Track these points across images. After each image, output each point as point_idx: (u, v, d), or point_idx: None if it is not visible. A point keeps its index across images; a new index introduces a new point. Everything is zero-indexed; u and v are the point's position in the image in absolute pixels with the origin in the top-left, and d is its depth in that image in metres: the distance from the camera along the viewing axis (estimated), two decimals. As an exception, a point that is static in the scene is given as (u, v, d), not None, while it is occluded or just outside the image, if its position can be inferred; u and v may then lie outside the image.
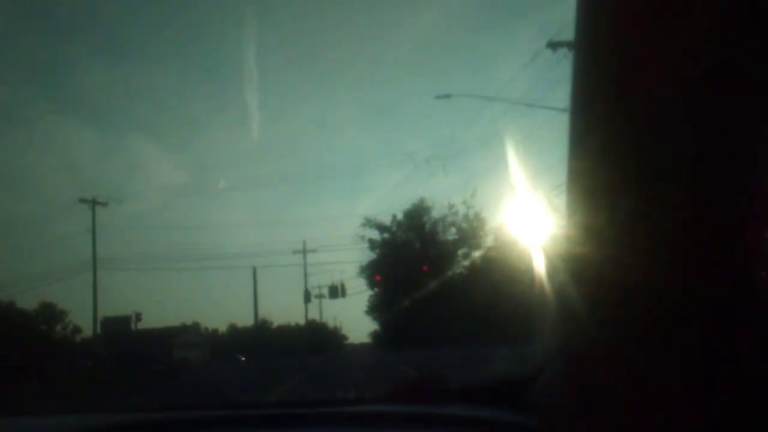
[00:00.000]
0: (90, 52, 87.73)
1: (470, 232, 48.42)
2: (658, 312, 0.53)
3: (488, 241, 48.30)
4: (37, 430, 1.52)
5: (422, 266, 43.98)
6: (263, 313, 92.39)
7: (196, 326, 71.69)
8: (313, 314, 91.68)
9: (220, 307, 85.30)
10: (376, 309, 55.71)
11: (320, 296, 49.14)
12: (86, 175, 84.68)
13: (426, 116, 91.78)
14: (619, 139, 0.55)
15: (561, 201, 0.66)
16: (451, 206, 47.55)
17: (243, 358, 52.97)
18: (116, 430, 1.42)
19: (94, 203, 30.73)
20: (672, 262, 0.51)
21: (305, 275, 44.57)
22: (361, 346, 76.34)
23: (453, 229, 49.38)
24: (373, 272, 47.32)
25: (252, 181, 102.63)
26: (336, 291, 41.84)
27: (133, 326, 36.77)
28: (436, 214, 48.65)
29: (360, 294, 50.03)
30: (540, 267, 0.84)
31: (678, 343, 0.51)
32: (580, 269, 0.63)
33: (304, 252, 44.95)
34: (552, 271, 0.74)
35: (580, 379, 0.66)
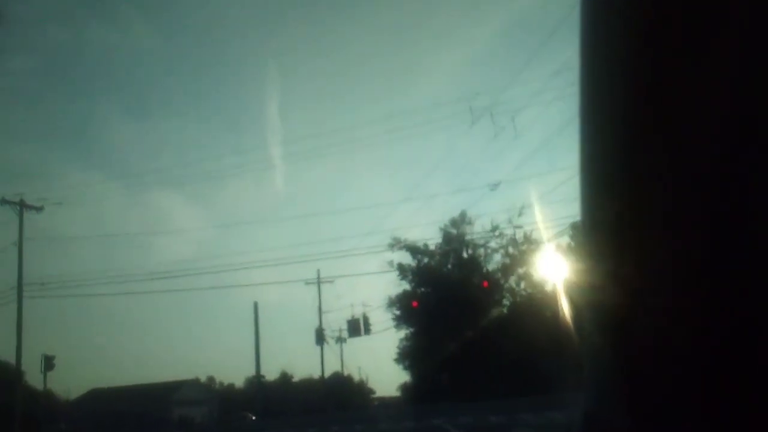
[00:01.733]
0: (115, 108, 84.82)
1: (518, 260, 40.09)
2: (684, 378, 0.50)
3: (538, 271, 40.13)
4: None
5: (465, 297, 35.46)
6: (284, 364, 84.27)
7: (200, 380, 63.50)
8: (330, 360, 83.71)
9: (239, 360, 77.52)
10: (408, 356, 46.83)
11: (341, 339, 40.61)
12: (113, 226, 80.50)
13: (456, 164, 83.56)
14: (641, 186, 0.52)
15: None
16: (494, 227, 39.03)
17: (253, 417, 45.35)
18: None
19: (21, 206, 23.34)
20: (700, 310, 0.49)
21: (320, 310, 36.17)
22: (391, 402, 67.02)
23: (497, 256, 40.89)
24: (404, 305, 38.64)
25: (274, 227, 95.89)
26: (357, 327, 32.69)
27: (41, 374, 28.39)
28: (477, 236, 40.06)
29: (385, 332, 40.77)
30: (566, 319, 0.84)
31: (713, 401, 0.49)
32: (607, 320, 0.59)
33: (318, 282, 36.82)
34: (579, 324, 0.72)
35: None
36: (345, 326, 33.94)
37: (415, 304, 36.41)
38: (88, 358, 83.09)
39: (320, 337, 35.66)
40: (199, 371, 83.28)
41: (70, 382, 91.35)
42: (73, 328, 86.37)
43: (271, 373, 77.22)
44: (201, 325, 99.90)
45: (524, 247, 39.78)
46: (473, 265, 40.06)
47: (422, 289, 39.24)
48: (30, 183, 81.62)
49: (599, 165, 0.56)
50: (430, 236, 41.54)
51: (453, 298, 36.05)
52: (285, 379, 78.26)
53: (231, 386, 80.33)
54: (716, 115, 0.46)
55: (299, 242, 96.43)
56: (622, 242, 0.54)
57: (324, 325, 36.58)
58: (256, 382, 37.77)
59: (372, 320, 33.89)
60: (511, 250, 40.08)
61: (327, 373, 53.26)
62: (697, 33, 0.46)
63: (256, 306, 36.45)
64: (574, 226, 35.57)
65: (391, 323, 40.09)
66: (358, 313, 33.43)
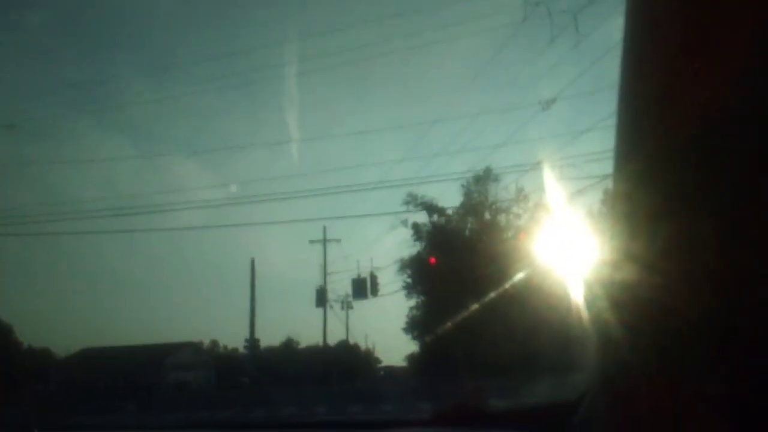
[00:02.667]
0: (132, 71, 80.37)
1: (542, 226, 36.38)
2: (701, 340, 0.51)
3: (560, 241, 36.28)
4: None
5: (485, 264, 31.87)
6: (289, 331, 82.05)
7: (202, 344, 61.13)
8: (337, 328, 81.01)
9: (246, 324, 74.91)
10: (417, 326, 43.53)
11: (346, 304, 37.32)
12: (126, 190, 76.53)
13: (501, 75, 70.79)
14: (661, 163, 0.54)
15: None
16: (519, 190, 35.23)
17: (247, 381, 43.09)
18: None
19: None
20: (714, 289, 0.50)
21: (324, 267, 32.70)
22: (398, 373, 64.45)
23: (519, 222, 37.19)
24: (418, 268, 35.13)
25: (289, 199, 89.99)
26: (363, 287, 28.81)
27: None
28: (502, 195, 36.25)
29: (392, 297, 36.91)
30: (578, 293, 0.86)
31: (722, 373, 0.50)
32: (619, 295, 0.62)
33: (324, 241, 33.38)
34: (591, 298, 0.74)
35: (621, 407, 0.66)
36: (351, 291, 30.34)
37: (432, 260, 32.74)
38: (84, 316, 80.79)
39: (322, 298, 32.02)
40: (203, 334, 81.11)
41: (64, 338, 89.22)
42: (66, 278, 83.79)
43: (278, 340, 74.95)
44: (207, 287, 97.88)
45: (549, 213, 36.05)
46: (495, 229, 36.45)
47: (438, 253, 35.70)
48: (39, 140, 78.71)
49: (626, 140, 0.57)
50: (464, 169, 37.04)
51: (471, 264, 32.59)
52: (289, 345, 76.01)
53: (235, 350, 78.42)
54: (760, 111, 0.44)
55: (312, 171, 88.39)
56: (644, 222, 0.54)
57: (328, 289, 33.22)
58: (250, 345, 34.69)
59: (380, 282, 30.07)
60: (535, 215, 36.49)
61: (333, 342, 50.65)
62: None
63: (252, 262, 33.23)
64: (606, 189, 31.96)
65: (399, 285, 36.76)
66: (365, 274, 29.73)
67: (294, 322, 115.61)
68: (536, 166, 19.69)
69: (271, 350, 72.45)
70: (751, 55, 0.46)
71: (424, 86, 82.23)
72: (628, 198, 0.58)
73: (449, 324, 32.71)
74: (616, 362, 0.65)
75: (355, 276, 29.15)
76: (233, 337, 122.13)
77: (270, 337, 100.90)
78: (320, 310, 32.88)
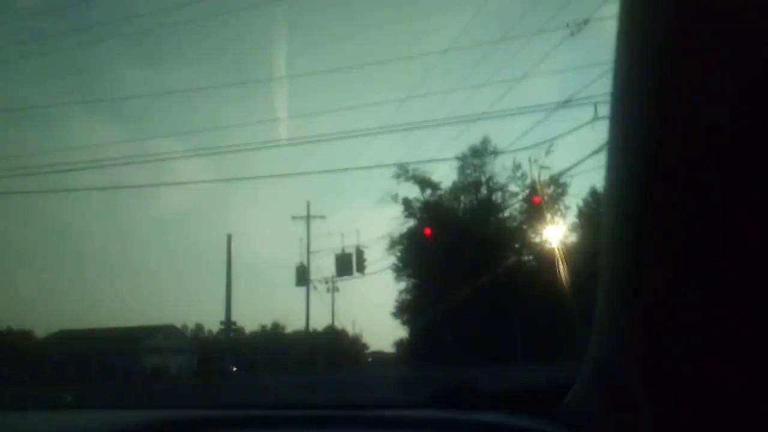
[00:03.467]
0: (121, 53, 76.94)
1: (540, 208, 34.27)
2: (696, 329, 0.52)
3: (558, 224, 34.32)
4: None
5: (481, 244, 29.88)
6: (276, 316, 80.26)
7: (186, 327, 59.09)
8: (320, 310, 79.02)
9: (235, 309, 72.70)
10: (407, 310, 41.60)
11: (331, 285, 35.19)
12: (113, 172, 73.74)
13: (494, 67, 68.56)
14: (656, 153, 0.54)
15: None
16: (516, 167, 32.90)
17: (234, 368, 41.28)
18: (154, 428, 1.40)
19: None
20: (710, 278, 0.50)
21: (308, 246, 30.52)
22: (388, 358, 62.86)
23: (516, 203, 35.06)
24: (408, 245, 32.99)
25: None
26: (348, 264, 26.10)
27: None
28: (499, 172, 33.97)
29: (380, 275, 34.94)
30: (572, 279, 0.84)
31: (717, 361, 0.51)
32: (615, 283, 0.63)
33: (308, 217, 31.18)
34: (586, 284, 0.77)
35: (613, 393, 0.67)
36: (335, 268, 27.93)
37: (428, 231, 30.42)
38: (66, 297, 78.40)
39: (303, 276, 29.55)
40: (188, 318, 79.03)
41: (46, 319, 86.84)
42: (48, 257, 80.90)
43: (264, 323, 73.14)
44: (196, 270, 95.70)
45: (550, 192, 33.83)
46: (491, 207, 34.38)
47: (436, 226, 33.58)
48: (32, 123, 76.15)
49: (624, 149, 0.58)
50: (479, 108, 34.11)
51: (466, 243, 30.57)
52: (275, 330, 74.29)
53: (220, 335, 76.39)
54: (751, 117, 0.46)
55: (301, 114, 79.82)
56: (639, 210, 0.56)
57: (312, 269, 31.02)
58: (227, 328, 32.54)
59: (366, 259, 27.46)
60: (533, 193, 34.39)
61: (321, 326, 48.76)
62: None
63: (229, 239, 30.99)
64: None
65: (388, 264, 34.60)
66: (350, 251, 27.31)
67: (281, 306, 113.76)
68: (564, 104, 17.36)
69: (256, 335, 70.67)
70: (746, 48, 0.46)
71: (434, 7, 73.33)
72: (621, 186, 0.58)
73: (441, 307, 30.87)
74: (609, 349, 0.65)
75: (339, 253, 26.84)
76: (217, 321, 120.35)
77: (256, 320, 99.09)
78: (305, 293, 30.69)
